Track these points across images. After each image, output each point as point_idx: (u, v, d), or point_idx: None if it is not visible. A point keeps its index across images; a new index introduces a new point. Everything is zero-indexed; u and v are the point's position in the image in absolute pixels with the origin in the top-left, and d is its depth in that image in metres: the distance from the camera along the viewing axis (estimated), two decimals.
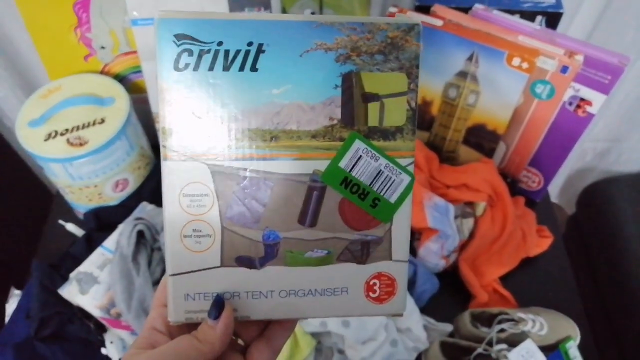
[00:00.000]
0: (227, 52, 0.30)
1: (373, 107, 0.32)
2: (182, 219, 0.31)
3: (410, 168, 0.33)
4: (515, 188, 0.91)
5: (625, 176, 1.27)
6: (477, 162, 0.87)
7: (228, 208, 0.32)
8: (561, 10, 0.83)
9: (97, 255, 0.75)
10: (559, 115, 0.80)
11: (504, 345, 0.70)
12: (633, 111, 1.22)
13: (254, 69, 0.31)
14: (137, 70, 0.88)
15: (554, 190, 1.48)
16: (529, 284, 0.83)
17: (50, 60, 0.84)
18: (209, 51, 0.30)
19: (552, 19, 0.84)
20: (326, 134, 0.32)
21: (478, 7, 0.82)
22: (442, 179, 0.85)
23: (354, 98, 0.32)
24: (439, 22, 0.79)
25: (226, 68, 0.30)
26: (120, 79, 0.89)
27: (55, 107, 0.79)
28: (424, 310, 0.76)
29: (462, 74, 0.81)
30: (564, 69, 0.74)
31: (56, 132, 0.76)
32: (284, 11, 0.85)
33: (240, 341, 0.34)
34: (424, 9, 0.83)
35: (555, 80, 0.76)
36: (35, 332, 0.71)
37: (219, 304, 0.31)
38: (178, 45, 0.30)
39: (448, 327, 0.76)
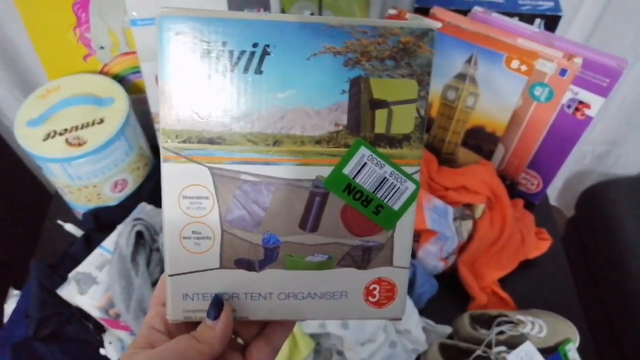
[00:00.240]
0: (231, 52, 0.29)
1: (380, 114, 0.31)
2: (181, 221, 0.31)
3: (416, 176, 0.32)
4: (514, 190, 0.91)
5: (624, 179, 1.27)
6: (476, 165, 0.87)
7: (228, 211, 0.31)
8: (560, 13, 0.84)
9: (96, 256, 0.75)
10: (558, 118, 0.80)
11: (503, 348, 0.70)
12: (631, 114, 1.22)
13: (258, 71, 0.30)
14: (137, 71, 0.88)
15: (553, 192, 1.49)
16: (528, 286, 0.83)
17: (49, 60, 0.84)
18: (212, 51, 0.29)
19: (551, 22, 0.85)
20: (331, 140, 0.31)
21: (477, 9, 0.82)
22: (441, 181, 0.85)
23: (361, 104, 0.31)
24: (438, 25, 0.79)
25: (230, 69, 0.29)
26: (120, 79, 0.88)
27: (54, 107, 0.79)
28: (423, 312, 0.76)
29: (461, 76, 0.81)
30: (563, 72, 0.74)
31: (55, 132, 0.76)
32: (283, 12, 0.85)
33: (239, 340, 0.34)
34: (423, 11, 0.84)
35: (554, 83, 0.76)
36: (34, 332, 0.70)
37: (217, 304, 0.31)
38: (180, 44, 0.29)
39: (447, 329, 0.76)
